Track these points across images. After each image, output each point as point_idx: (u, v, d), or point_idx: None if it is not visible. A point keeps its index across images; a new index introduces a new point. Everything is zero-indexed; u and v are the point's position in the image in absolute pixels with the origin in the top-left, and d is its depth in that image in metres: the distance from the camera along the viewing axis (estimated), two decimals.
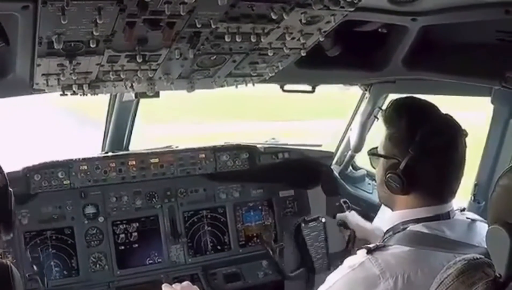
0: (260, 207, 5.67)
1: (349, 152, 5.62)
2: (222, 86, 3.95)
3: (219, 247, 5.45)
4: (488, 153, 4.03)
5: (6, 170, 2.90)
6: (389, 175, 2.80)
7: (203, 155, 5.36)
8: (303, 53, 3.26)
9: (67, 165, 4.88)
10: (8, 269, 2.02)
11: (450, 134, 2.79)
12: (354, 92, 5.29)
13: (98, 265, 4.95)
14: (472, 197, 4.08)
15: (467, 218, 2.92)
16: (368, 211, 5.02)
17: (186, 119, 17.70)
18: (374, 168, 3.03)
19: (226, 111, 18.87)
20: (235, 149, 5.50)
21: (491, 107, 3.94)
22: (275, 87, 4.51)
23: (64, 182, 4.85)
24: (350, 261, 2.76)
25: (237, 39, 2.88)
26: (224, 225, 5.49)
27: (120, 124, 5.53)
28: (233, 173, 5.47)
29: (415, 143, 2.72)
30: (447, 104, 3.03)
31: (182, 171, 5.28)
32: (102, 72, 3.25)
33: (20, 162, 4.77)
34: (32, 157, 4.91)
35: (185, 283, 3.59)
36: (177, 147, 5.52)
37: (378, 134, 3.02)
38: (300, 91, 4.73)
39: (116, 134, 5.57)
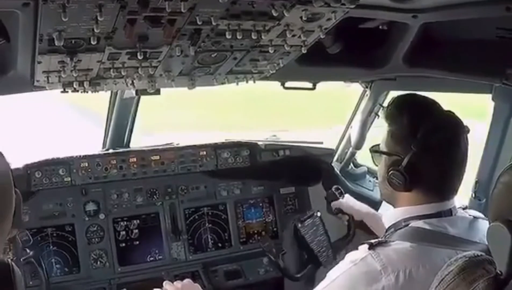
0: (261, 204, 5.67)
1: (350, 149, 5.62)
2: (223, 83, 3.96)
3: (219, 244, 5.45)
4: (489, 150, 4.03)
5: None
6: (391, 172, 2.81)
7: (204, 152, 5.36)
8: (304, 50, 3.26)
9: (68, 162, 4.88)
10: (9, 267, 2.01)
11: (452, 131, 2.80)
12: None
13: (99, 262, 4.95)
14: (473, 194, 4.08)
15: (469, 215, 2.93)
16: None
17: None
18: (376, 165, 3.04)
19: None
20: (236, 146, 5.50)
21: (492, 104, 3.94)
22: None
23: (65, 179, 4.85)
24: (352, 256, 2.77)
25: (238, 36, 2.88)
26: (225, 222, 5.49)
27: (121, 121, 5.52)
28: (234, 170, 5.47)
29: (417, 140, 2.73)
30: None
31: (183, 168, 5.28)
32: (103, 69, 3.25)
33: (21, 159, 4.77)
34: (33, 154, 4.92)
35: (186, 280, 3.59)
36: (178, 144, 5.51)
37: (379, 130, 3.02)
38: (301, 88, 4.73)
39: (117, 131, 5.57)
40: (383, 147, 2.93)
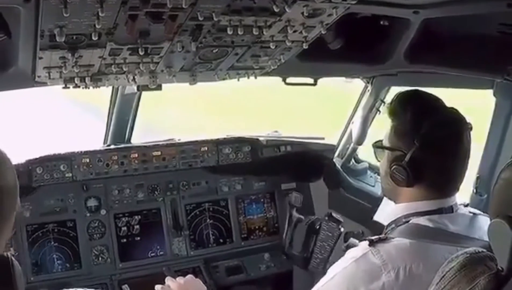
0: (262, 200, 5.68)
1: (351, 145, 5.62)
2: (224, 79, 3.96)
3: (221, 240, 5.47)
4: (490, 146, 4.02)
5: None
6: (394, 167, 2.80)
7: (205, 148, 5.37)
8: (305, 46, 3.26)
9: (69, 158, 4.89)
10: (9, 262, 2.01)
11: (455, 127, 2.79)
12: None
13: (100, 258, 4.96)
14: (474, 190, 4.07)
15: (469, 212, 2.93)
16: (370, 204, 5.03)
17: None
18: (379, 160, 3.04)
19: None
20: (237, 142, 5.51)
21: (493, 99, 3.94)
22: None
23: (66, 175, 4.86)
24: (352, 253, 2.77)
25: (239, 32, 2.88)
26: (226, 218, 5.51)
27: (122, 117, 5.52)
28: (235, 166, 5.48)
29: (421, 136, 2.72)
30: None
31: (184, 164, 5.29)
32: (104, 65, 3.25)
33: (23, 154, 4.77)
34: (35, 149, 4.92)
35: (189, 276, 3.59)
36: (179, 140, 5.52)
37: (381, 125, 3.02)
38: (302, 84, 4.73)
39: (118, 127, 5.57)
40: (386, 143, 2.93)
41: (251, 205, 5.63)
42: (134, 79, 3.57)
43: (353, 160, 5.89)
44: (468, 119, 2.84)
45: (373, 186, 5.59)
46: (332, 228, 4.66)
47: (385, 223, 3.00)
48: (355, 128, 5.12)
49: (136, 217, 5.14)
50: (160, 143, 5.37)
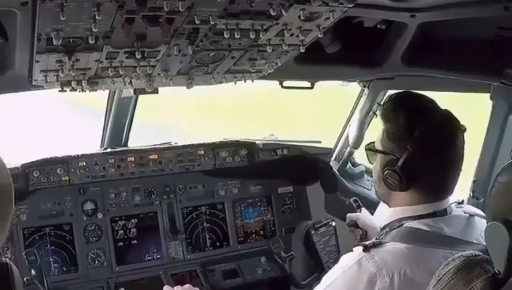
0: (259, 204, 5.68)
1: (348, 149, 5.63)
2: (221, 82, 3.96)
3: (218, 244, 5.46)
4: (487, 150, 4.03)
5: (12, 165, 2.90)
6: (387, 171, 2.79)
7: (202, 152, 5.37)
8: (302, 50, 3.26)
9: (66, 162, 4.88)
10: (7, 267, 2.01)
11: (450, 130, 2.78)
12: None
13: (97, 261, 4.96)
14: (471, 194, 4.08)
15: (464, 212, 2.92)
16: (367, 208, 5.03)
17: None
18: (371, 163, 3.02)
19: None
20: (234, 146, 5.51)
21: (490, 103, 3.94)
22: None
23: (63, 178, 4.86)
24: (346, 259, 2.76)
25: (236, 36, 2.88)
26: (223, 221, 5.50)
27: (119, 121, 5.53)
28: (232, 169, 5.48)
29: (414, 139, 2.70)
30: None
31: (181, 168, 5.29)
32: (101, 68, 3.25)
33: (19, 158, 4.77)
34: (31, 153, 4.92)
35: (187, 286, 3.57)
36: (176, 143, 5.51)
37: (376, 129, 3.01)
38: (299, 88, 4.73)
39: (115, 130, 5.57)
40: (378, 146, 2.90)
41: (247, 209, 5.62)
42: (130, 82, 3.56)
43: (349, 163, 5.90)
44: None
45: (370, 189, 5.59)
46: (325, 232, 4.67)
47: (380, 226, 3.00)
48: (351, 131, 5.13)
49: (132, 220, 5.14)
50: (157, 146, 5.36)
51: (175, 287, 3.49)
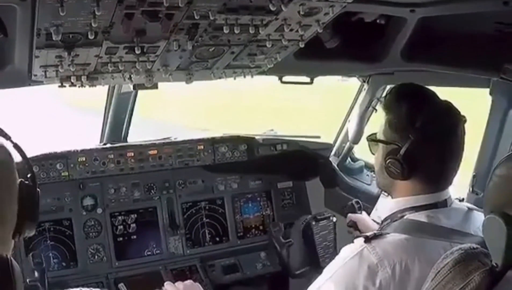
0: (258, 199, 5.69)
1: (348, 144, 5.62)
2: (220, 77, 3.95)
3: (217, 239, 5.48)
4: (487, 145, 4.03)
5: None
6: (389, 160, 2.81)
7: (202, 147, 5.37)
8: (301, 45, 3.26)
9: (66, 157, 4.89)
10: (7, 262, 2.01)
11: (451, 121, 2.82)
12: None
13: (96, 257, 4.97)
14: (471, 189, 4.08)
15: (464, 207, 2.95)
16: (366, 203, 5.03)
17: None
18: (373, 153, 3.04)
19: None
20: (233, 141, 5.51)
21: (490, 98, 3.94)
22: None
23: (63, 174, 4.86)
24: (348, 251, 2.77)
25: (236, 31, 2.88)
26: (223, 216, 5.51)
27: (119, 116, 5.53)
28: (231, 164, 5.49)
29: (416, 129, 2.74)
30: None
31: (180, 163, 5.29)
32: (100, 63, 3.25)
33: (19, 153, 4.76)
34: (31, 149, 4.91)
35: (188, 282, 3.58)
36: (175, 138, 5.52)
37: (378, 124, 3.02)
38: (298, 83, 4.73)
39: (115, 125, 5.58)
40: (380, 136, 2.94)
41: (247, 204, 5.64)
42: (130, 78, 3.56)
43: (349, 158, 5.89)
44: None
45: (369, 184, 5.59)
46: (325, 225, 4.68)
47: (382, 218, 3.01)
48: (351, 126, 5.13)
49: (132, 215, 5.15)
50: (156, 142, 5.36)
51: (176, 283, 3.48)
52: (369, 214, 4.24)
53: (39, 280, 4.05)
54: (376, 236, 2.71)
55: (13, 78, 3.46)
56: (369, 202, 4.85)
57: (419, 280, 2.48)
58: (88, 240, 4.98)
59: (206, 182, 5.48)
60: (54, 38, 2.63)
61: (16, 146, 2.20)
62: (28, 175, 2.28)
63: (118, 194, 5.13)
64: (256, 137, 5.64)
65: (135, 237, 5.14)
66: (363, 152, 5.80)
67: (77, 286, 2.72)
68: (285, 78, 4.60)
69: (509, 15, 3.05)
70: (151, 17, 2.62)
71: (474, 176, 4.09)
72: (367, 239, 2.70)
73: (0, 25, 2.72)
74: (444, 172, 2.85)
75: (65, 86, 3.53)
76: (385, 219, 2.95)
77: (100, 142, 5.61)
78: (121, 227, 5.07)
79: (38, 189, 2.25)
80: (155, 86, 3.83)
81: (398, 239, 2.69)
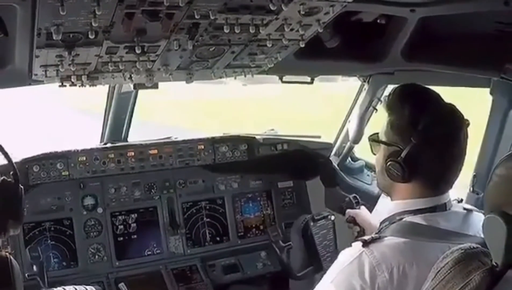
0: (259, 198, 5.69)
1: (348, 143, 5.62)
2: (220, 77, 3.96)
3: (217, 238, 5.48)
4: (487, 144, 4.02)
5: (5, 161, 2.90)
6: (390, 162, 2.79)
7: (202, 146, 5.37)
8: (301, 44, 3.26)
9: (66, 156, 4.89)
10: (7, 260, 2.01)
11: (454, 124, 2.79)
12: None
13: (97, 256, 4.98)
14: (471, 189, 4.08)
15: (463, 209, 2.93)
16: (367, 202, 5.03)
17: None
18: (374, 154, 3.03)
19: None
20: (234, 140, 5.51)
21: (490, 98, 3.94)
22: None
23: (63, 173, 4.87)
24: (346, 255, 2.76)
25: (236, 30, 2.88)
26: (223, 216, 5.52)
27: (119, 115, 5.53)
28: (232, 164, 5.49)
29: (418, 132, 2.71)
30: None
31: (181, 162, 5.30)
32: (101, 63, 3.25)
33: (19, 153, 4.76)
34: (32, 148, 4.92)
35: None
36: (176, 138, 5.52)
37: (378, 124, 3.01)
38: (299, 82, 4.73)
39: (115, 125, 5.58)
40: (382, 137, 2.91)
41: (247, 204, 5.64)
42: (130, 77, 3.56)
43: (349, 158, 5.89)
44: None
45: (370, 184, 5.59)
46: (323, 225, 4.67)
47: (381, 219, 3.00)
48: (351, 126, 5.13)
49: (132, 215, 5.16)
50: (157, 141, 5.37)
51: None
52: (368, 209, 4.23)
53: (38, 274, 4.07)
54: (373, 240, 2.70)
55: (14, 78, 3.46)
56: (369, 202, 4.85)
57: (417, 283, 2.47)
58: (88, 239, 4.98)
59: (206, 182, 5.49)
60: (54, 38, 2.63)
61: None
62: (11, 173, 2.27)
63: (119, 194, 5.13)
64: (257, 137, 5.64)
65: (135, 236, 5.15)
66: (363, 152, 5.80)
67: None
68: (286, 78, 4.59)
69: (510, 14, 3.05)
70: (151, 17, 2.62)
71: (474, 176, 4.09)
72: (365, 243, 2.68)
73: (1, 25, 2.72)
74: (445, 176, 2.82)
75: (65, 86, 3.54)
76: (384, 221, 2.94)
77: (101, 142, 5.61)
78: (122, 226, 5.08)
79: (21, 186, 2.24)
80: (155, 86, 3.84)
81: (395, 242, 2.67)
